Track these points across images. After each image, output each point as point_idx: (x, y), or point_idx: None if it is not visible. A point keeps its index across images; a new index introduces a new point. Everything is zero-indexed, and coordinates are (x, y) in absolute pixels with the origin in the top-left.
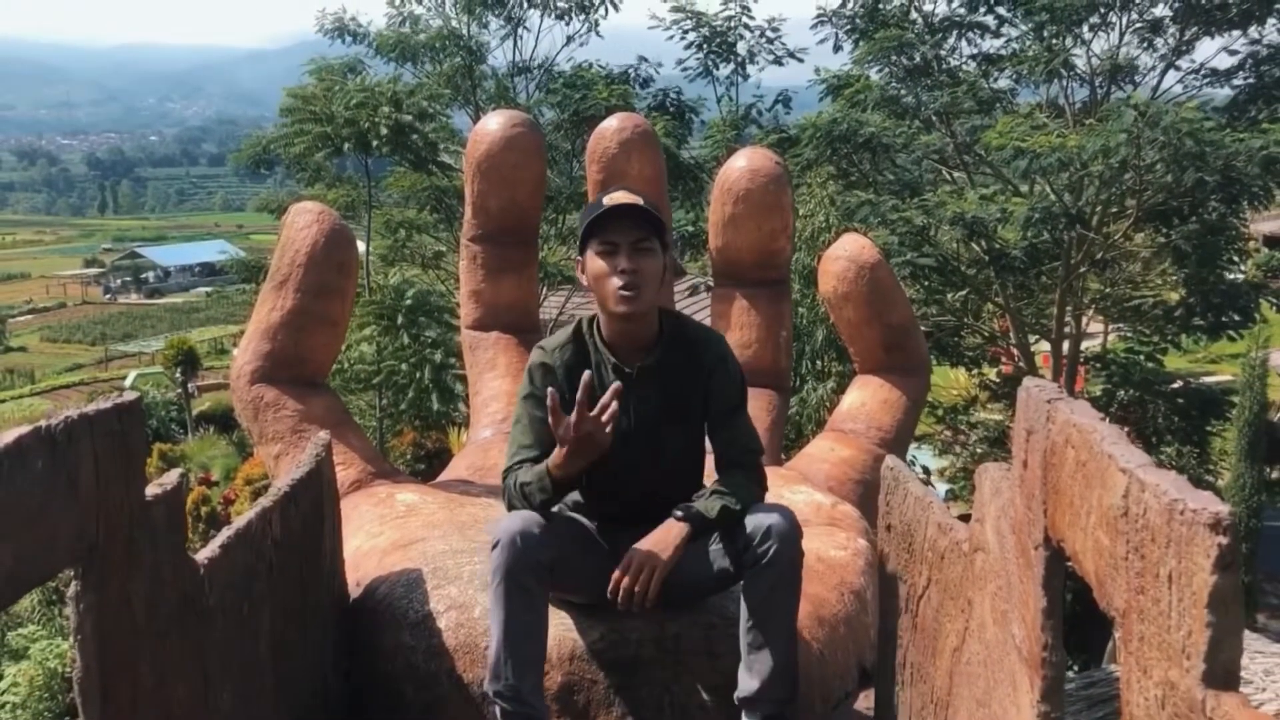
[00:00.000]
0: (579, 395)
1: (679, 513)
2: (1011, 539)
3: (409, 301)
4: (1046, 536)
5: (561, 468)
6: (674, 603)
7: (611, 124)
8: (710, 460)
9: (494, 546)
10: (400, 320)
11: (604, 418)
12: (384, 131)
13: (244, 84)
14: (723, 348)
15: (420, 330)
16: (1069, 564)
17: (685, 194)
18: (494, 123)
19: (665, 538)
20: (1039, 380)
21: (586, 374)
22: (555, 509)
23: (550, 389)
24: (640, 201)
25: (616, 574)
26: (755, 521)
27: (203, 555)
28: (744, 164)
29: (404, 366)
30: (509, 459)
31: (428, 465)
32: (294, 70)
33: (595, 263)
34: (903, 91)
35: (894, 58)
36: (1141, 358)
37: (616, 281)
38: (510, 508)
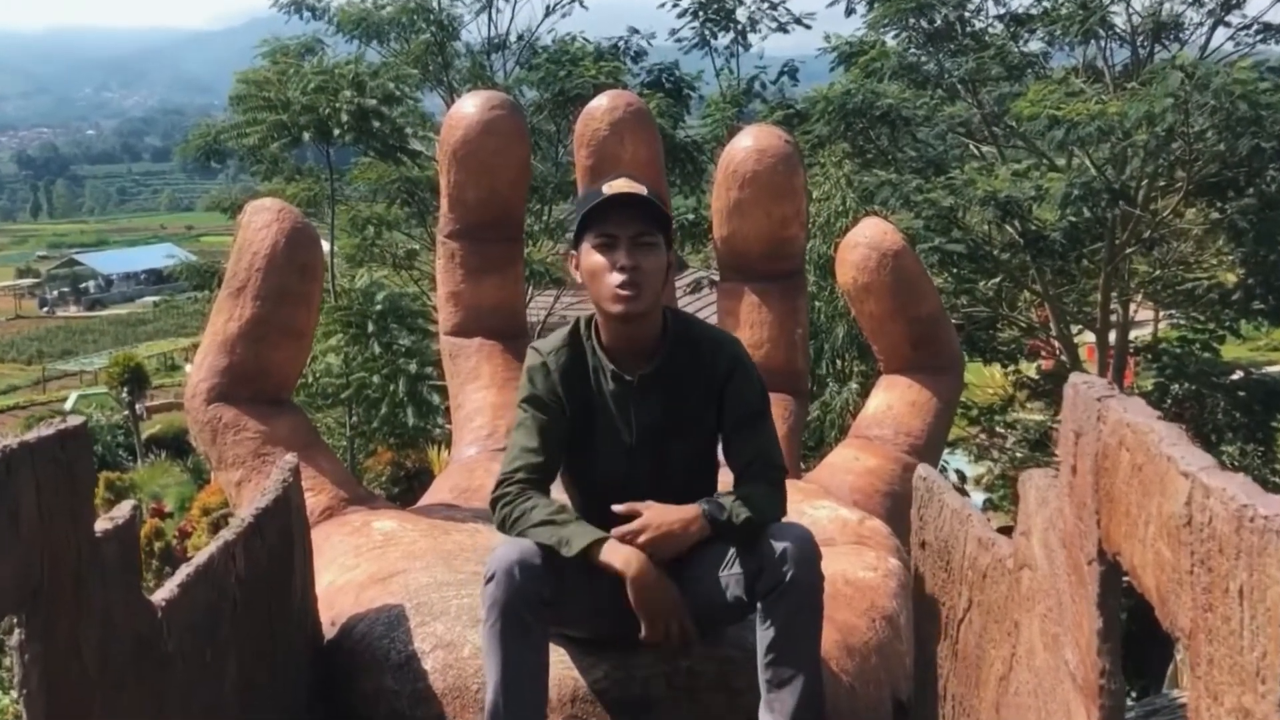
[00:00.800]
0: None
1: (704, 505)
2: (1061, 554)
3: (379, 306)
4: (1101, 550)
5: (609, 564)
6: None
7: (601, 103)
8: (722, 476)
9: (488, 580)
10: (370, 328)
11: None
12: (346, 118)
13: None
14: (737, 349)
15: (392, 338)
16: (1126, 580)
17: (684, 178)
18: (470, 105)
19: (679, 531)
20: (1087, 376)
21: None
22: None
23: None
24: (643, 190)
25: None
26: (769, 543)
27: (160, 596)
28: (749, 144)
29: (375, 379)
30: (508, 464)
31: (406, 488)
32: (246, 52)
33: (591, 257)
34: (923, 58)
35: (912, 20)
36: (1196, 347)
37: (615, 279)
38: (503, 527)
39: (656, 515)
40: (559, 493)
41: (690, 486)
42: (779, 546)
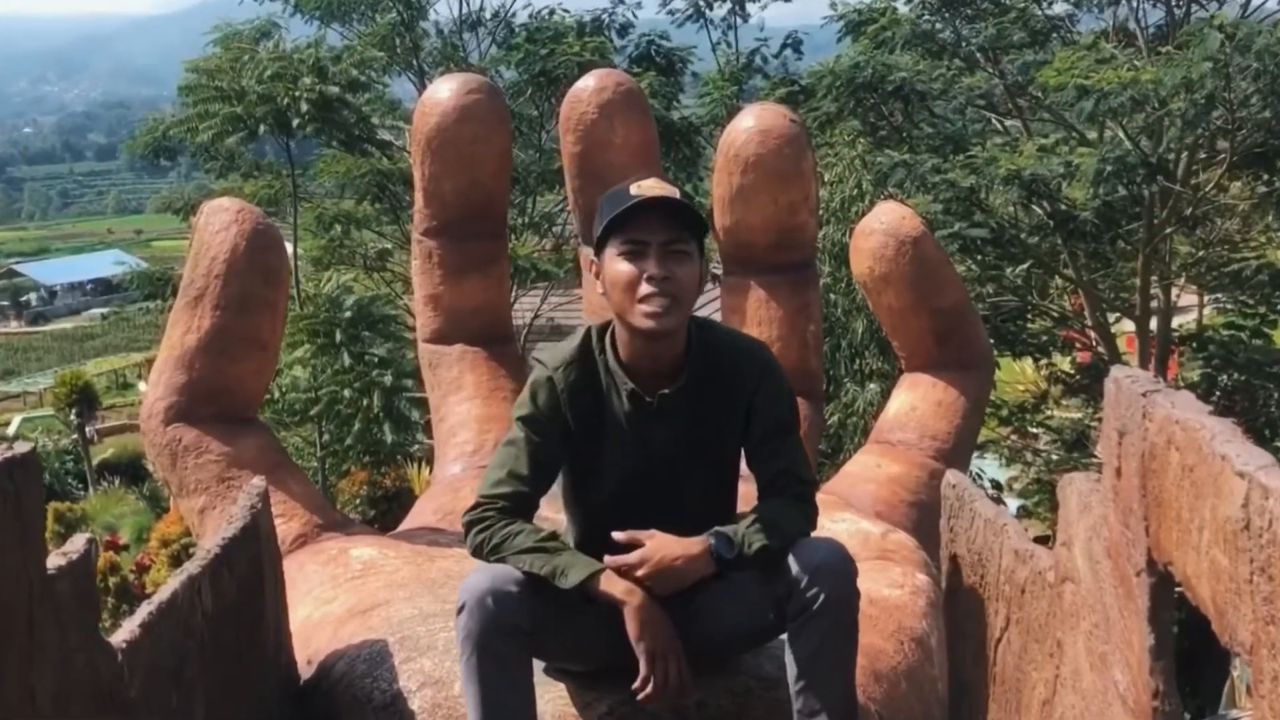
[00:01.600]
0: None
1: (711, 540)
2: (1107, 564)
3: (348, 313)
4: (1150, 559)
5: (609, 595)
6: (699, 662)
7: (588, 84)
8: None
9: (459, 611)
10: (339, 336)
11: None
12: (306, 107)
13: (135, 58)
14: (767, 359)
15: (364, 347)
16: (1178, 591)
17: (680, 163)
18: (444, 90)
19: (681, 567)
20: (1129, 369)
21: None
22: None
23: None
24: (675, 194)
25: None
26: (801, 558)
27: (120, 637)
28: (752, 124)
29: (347, 393)
30: (489, 485)
31: (385, 511)
32: (196, 38)
33: (616, 266)
34: (938, 25)
35: None
36: (1246, 334)
37: (643, 290)
38: (479, 552)
39: (658, 547)
40: (549, 509)
41: (705, 512)
42: (810, 563)
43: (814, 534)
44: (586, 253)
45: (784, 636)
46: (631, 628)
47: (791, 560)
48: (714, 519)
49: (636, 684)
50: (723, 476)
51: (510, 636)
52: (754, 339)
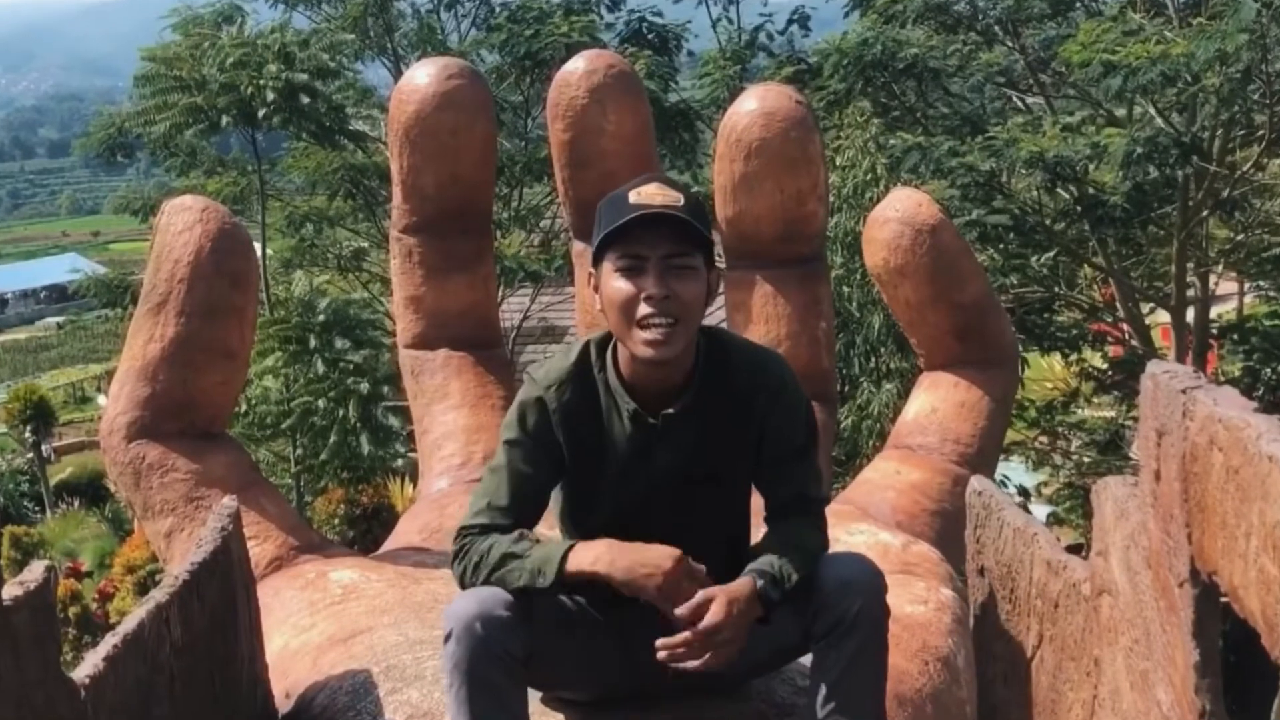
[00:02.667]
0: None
1: (759, 581)
2: (1147, 575)
3: (322, 317)
4: (1193, 569)
5: (595, 575)
6: (714, 686)
7: (577, 67)
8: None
9: (446, 638)
10: (313, 342)
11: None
12: (272, 96)
13: (88, 47)
14: (782, 372)
15: (339, 354)
16: (1224, 603)
17: (677, 150)
18: (422, 76)
19: (740, 613)
20: (1167, 364)
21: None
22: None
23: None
24: (679, 200)
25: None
26: (827, 575)
27: (82, 672)
28: (755, 106)
29: (322, 403)
30: (471, 515)
31: (365, 530)
32: (151, 25)
33: (614, 284)
34: None
35: None
36: None
37: (643, 311)
38: (463, 583)
39: (718, 614)
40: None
41: (716, 537)
42: (837, 579)
43: (838, 551)
44: (579, 248)
45: (806, 658)
46: (626, 588)
47: (816, 576)
48: (723, 546)
49: (664, 642)
50: (733, 501)
51: (502, 664)
52: (769, 351)
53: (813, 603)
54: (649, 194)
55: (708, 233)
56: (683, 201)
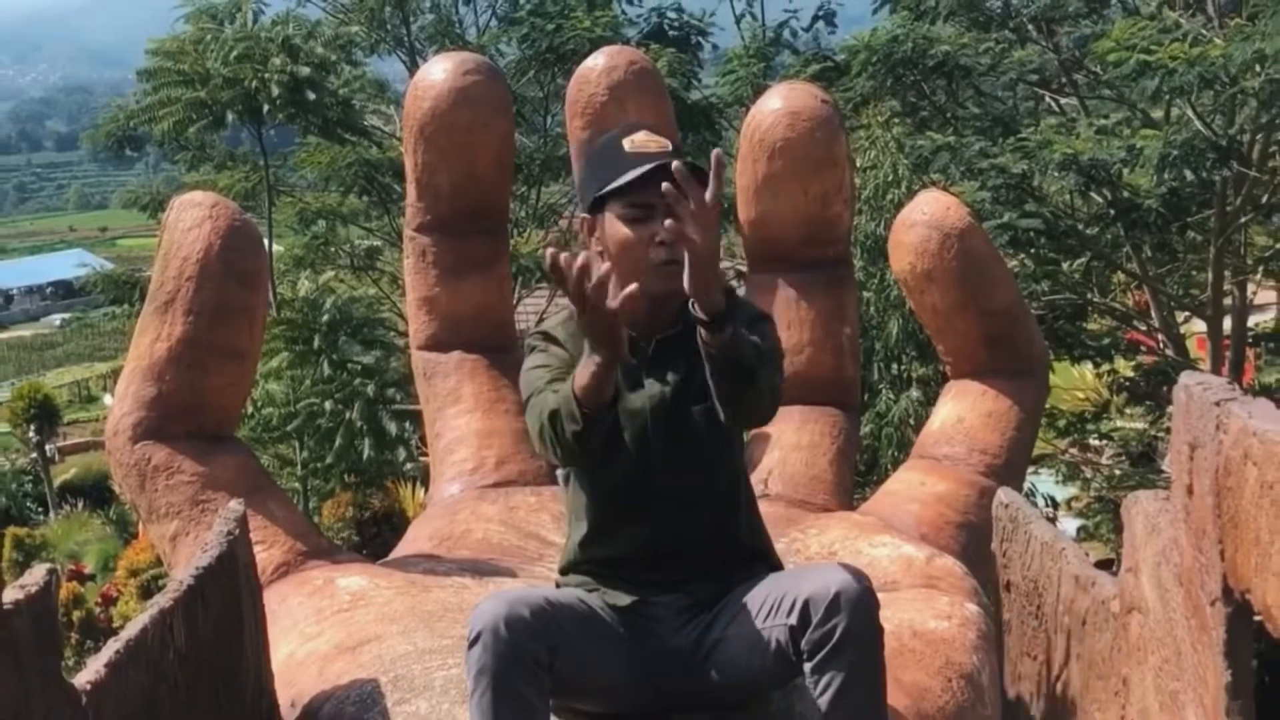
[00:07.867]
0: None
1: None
2: (1178, 593)
3: (327, 316)
4: (1226, 587)
5: (583, 374)
6: (718, 702)
7: (598, 63)
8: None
9: (472, 642)
10: (318, 342)
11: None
12: (278, 91)
13: (97, 38)
14: (756, 310)
15: (345, 355)
16: (1257, 621)
17: (699, 148)
18: (439, 71)
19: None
20: (1201, 375)
21: (582, 255)
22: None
23: (552, 252)
24: (668, 146)
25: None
26: (814, 584)
27: (84, 679)
28: (780, 105)
29: (328, 405)
30: (533, 393)
31: (375, 536)
32: (162, 15)
33: (621, 229)
34: None
35: None
36: None
37: (658, 255)
38: (541, 440)
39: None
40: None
41: (712, 457)
42: (829, 586)
43: (837, 561)
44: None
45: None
46: (608, 333)
47: (805, 584)
48: (720, 465)
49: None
50: (730, 431)
51: (528, 670)
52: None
53: (800, 615)
54: (641, 142)
55: (701, 169)
56: (670, 147)
